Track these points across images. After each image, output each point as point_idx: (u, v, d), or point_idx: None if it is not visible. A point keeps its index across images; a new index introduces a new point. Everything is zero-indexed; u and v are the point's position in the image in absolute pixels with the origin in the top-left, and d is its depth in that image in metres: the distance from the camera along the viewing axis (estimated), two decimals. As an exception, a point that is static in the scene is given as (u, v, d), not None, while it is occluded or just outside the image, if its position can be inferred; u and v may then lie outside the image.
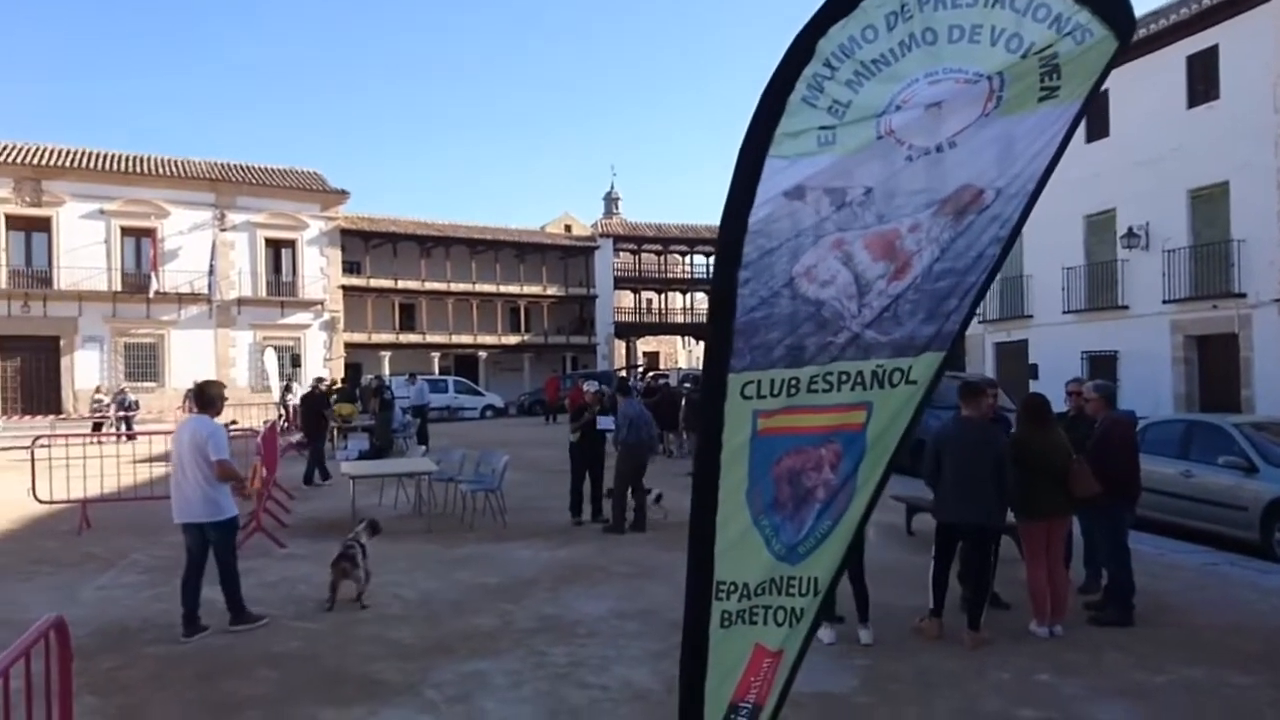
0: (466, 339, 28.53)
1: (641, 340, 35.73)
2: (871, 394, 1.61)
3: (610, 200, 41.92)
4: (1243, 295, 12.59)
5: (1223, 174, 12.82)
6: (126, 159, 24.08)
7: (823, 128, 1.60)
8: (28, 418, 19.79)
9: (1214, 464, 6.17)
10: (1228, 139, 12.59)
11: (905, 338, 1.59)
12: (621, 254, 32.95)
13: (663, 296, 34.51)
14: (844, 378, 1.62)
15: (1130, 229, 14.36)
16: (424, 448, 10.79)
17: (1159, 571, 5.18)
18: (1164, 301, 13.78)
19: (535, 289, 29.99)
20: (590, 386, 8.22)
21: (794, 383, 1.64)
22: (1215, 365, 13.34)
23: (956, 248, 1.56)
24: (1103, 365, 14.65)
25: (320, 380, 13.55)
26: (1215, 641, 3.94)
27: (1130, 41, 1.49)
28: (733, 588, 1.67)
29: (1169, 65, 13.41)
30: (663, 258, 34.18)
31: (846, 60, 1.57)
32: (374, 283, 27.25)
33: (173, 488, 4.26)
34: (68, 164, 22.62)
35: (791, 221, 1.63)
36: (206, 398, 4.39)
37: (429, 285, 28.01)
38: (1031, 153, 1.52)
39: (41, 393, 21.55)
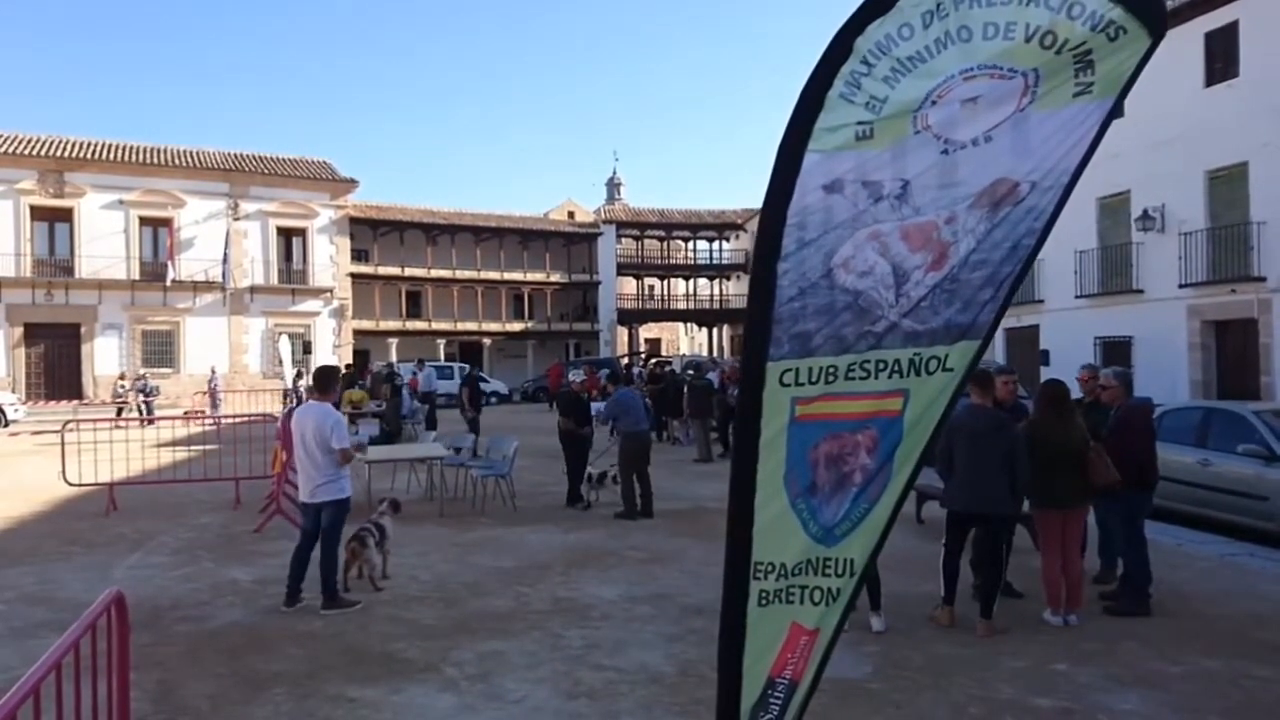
0: (471, 326, 28.64)
1: (644, 327, 35.69)
2: (908, 381, 1.64)
3: (613, 186, 41.66)
4: (1262, 279, 12.36)
5: (1242, 154, 12.54)
6: (144, 150, 24.26)
7: (860, 123, 1.62)
8: (51, 403, 20.17)
9: (1233, 453, 6.07)
10: (1247, 118, 12.30)
11: (942, 326, 1.61)
12: (624, 240, 32.82)
13: (665, 283, 34.38)
14: (881, 365, 1.65)
15: (1145, 211, 14.08)
16: (433, 433, 10.93)
17: (1176, 561, 5.15)
18: (1180, 285, 13.54)
19: (539, 276, 29.97)
20: (576, 376, 8.26)
21: (832, 370, 1.67)
22: (1233, 351, 13.14)
23: (993, 239, 1.58)
24: (1116, 351, 14.49)
25: (473, 366, 13.80)
26: (1234, 632, 3.90)
27: (1162, 38, 1.50)
28: (770, 568, 1.72)
29: (1186, 42, 13.01)
30: (665, 243, 34.03)
31: (883, 57, 1.59)
32: (381, 270, 27.38)
33: (299, 471, 4.47)
34: (88, 156, 22.82)
35: (830, 214, 1.65)
36: (326, 382, 4.53)
37: (435, 273, 28.08)
38: (1066, 147, 1.54)
39: (63, 379, 21.94)
